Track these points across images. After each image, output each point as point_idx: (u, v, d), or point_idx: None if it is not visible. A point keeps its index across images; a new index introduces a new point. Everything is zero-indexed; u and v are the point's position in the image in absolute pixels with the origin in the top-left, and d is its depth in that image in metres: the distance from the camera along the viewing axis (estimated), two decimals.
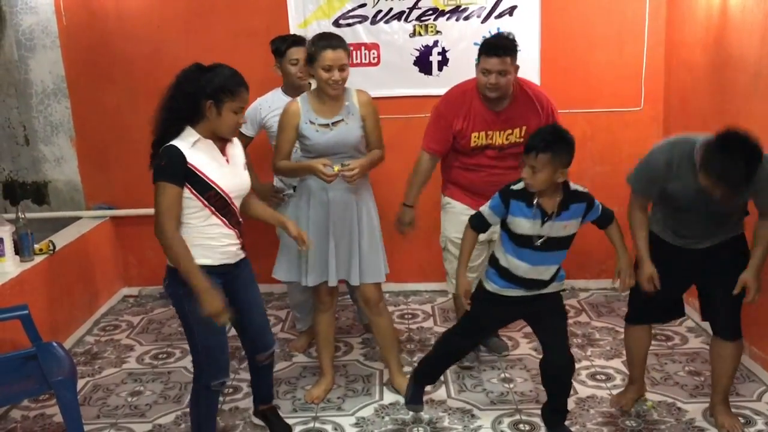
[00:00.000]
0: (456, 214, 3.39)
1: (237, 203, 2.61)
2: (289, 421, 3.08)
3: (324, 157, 2.98)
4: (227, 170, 2.55)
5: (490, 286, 2.82)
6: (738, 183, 2.43)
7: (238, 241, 2.62)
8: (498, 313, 2.90)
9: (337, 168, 2.94)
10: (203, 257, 2.51)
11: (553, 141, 2.54)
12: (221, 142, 2.56)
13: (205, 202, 2.48)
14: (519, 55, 3.56)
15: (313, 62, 2.95)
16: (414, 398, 3.09)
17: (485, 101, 3.19)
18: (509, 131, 3.21)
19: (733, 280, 2.75)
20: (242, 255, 2.68)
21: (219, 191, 2.50)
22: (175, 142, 2.44)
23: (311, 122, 3.00)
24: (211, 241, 2.53)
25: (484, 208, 2.76)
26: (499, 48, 3.08)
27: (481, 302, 2.84)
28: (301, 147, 3.08)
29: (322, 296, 3.23)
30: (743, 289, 2.75)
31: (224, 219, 2.54)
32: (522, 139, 3.17)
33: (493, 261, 2.84)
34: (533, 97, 3.24)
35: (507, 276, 2.77)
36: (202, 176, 2.45)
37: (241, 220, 2.65)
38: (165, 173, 2.41)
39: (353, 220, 3.11)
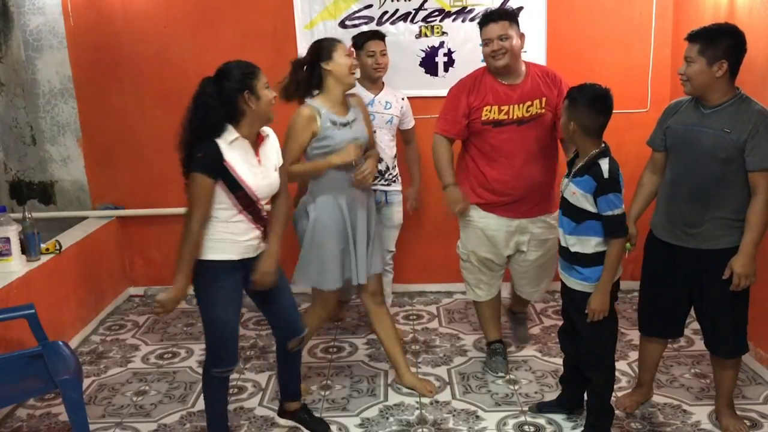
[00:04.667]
0: (477, 228, 3.40)
1: (263, 203, 2.69)
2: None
3: None
4: (258, 171, 2.62)
5: None
6: None
7: (260, 236, 2.71)
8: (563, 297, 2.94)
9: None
10: (226, 252, 2.61)
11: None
12: (255, 142, 2.64)
13: (234, 200, 2.57)
14: (525, 55, 3.56)
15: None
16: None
17: (497, 76, 3.23)
18: (529, 103, 3.21)
19: (726, 297, 2.73)
20: (263, 248, 2.75)
21: (248, 192, 2.58)
22: (217, 140, 2.52)
23: (332, 122, 3.05)
24: (234, 237, 2.62)
25: None
26: (493, 14, 3.19)
27: None
28: (319, 153, 3.08)
29: (331, 305, 3.33)
30: (736, 313, 2.77)
31: (249, 216, 2.63)
32: (543, 110, 3.22)
33: None
34: (546, 74, 3.30)
35: None
36: (234, 175, 2.53)
37: (265, 215, 2.74)
38: (201, 165, 2.50)
39: (368, 218, 3.20)
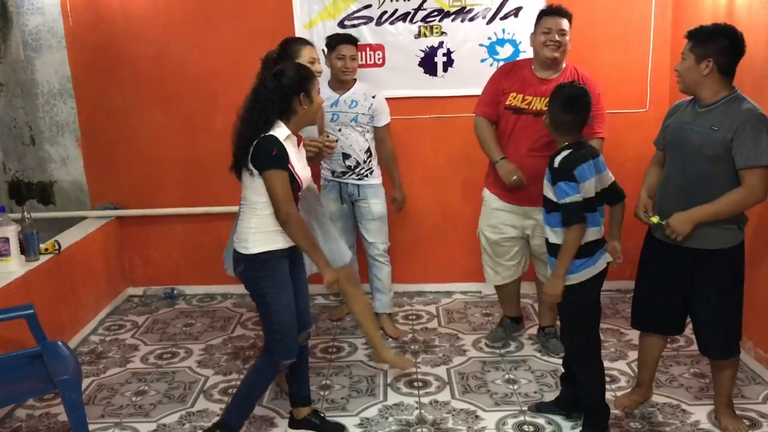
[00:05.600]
0: (488, 208, 3.60)
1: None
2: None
3: None
4: (303, 164, 2.80)
5: None
6: None
7: None
8: None
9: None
10: (278, 242, 2.71)
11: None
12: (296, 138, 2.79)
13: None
14: (524, 56, 3.56)
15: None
16: None
17: (537, 67, 3.40)
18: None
19: (715, 297, 2.74)
20: None
21: (299, 183, 2.72)
22: (274, 134, 2.63)
23: None
24: None
25: None
26: (561, 9, 3.34)
27: None
28: None
29: None
30: (726, 314, 2.77)
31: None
32: None
33: None
34: (581, 78, 3.34)
35: None
36: (292, 169, 2.67)
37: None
38: (277, 161, 2.61)
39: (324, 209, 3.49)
